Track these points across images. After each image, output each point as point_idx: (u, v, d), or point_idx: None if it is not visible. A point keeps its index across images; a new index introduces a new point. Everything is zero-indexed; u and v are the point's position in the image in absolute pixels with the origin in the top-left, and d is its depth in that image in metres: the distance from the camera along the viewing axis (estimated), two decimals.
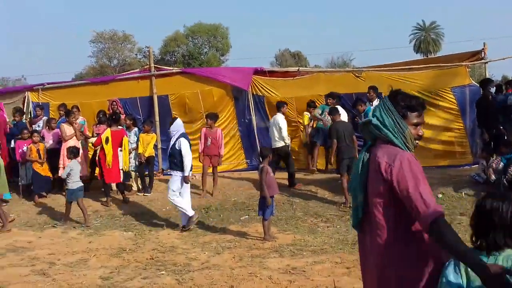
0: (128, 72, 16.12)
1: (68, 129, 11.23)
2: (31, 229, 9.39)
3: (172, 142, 9.15)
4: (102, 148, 10.67)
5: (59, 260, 7.45)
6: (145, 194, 11.50)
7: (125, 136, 11.06)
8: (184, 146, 9.03)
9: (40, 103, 12.89)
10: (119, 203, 10.96)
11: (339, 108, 11.05)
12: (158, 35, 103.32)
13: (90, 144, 11.81)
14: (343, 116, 10.89)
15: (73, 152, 9.98)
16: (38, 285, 6.42)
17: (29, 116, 12.86)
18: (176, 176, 9.08)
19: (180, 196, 9.06)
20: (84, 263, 7.33)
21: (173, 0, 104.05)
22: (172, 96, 13.04)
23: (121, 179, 11.07)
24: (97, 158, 10.96)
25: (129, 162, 11.29)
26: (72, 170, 9.66)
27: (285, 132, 11.38)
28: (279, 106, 11.72)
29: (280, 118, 11.44)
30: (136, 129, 11.80)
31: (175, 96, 13.05)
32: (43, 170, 11.20)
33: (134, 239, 8.50)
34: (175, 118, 9.84)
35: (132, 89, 13.17)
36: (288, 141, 11.53)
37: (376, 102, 11.10)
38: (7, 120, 12.17)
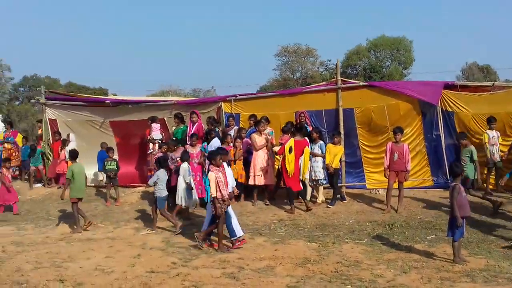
0: (314, 85, 16.32)
1: (258, 139, 11.71)
2: None
3: None
4: (285, 157, 10.96)
5: (248, 265, 7.74)
6: (328, 205, 11.55)
7: (307, 146, 11.22)
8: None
9: (233, 113, 13.62)
10: (303, 213, 11.14)
11: None
12: (340, 49, 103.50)
13: (277, 156, 12.18)
14: None
15: (160, 162, 10.70)
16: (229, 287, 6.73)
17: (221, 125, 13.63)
18: None
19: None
20: (271, 270, 7.52)
21: (356, 15, 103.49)
22: (358, 110, 12.92)
23: (301, 188, 11.27)
24: (278, 166, 11.26)
25: (317, 174, 11.46)
26: (159, 179, 10.36)
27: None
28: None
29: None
30: (321, 142, 11.88)
31: (360, 110, 12.91)
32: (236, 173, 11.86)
33: (318, 250, 8.52)
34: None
35: (318, 101, 13.28)
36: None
37: None
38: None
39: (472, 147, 11.15)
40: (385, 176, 11.12)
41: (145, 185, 13.92)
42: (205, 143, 11.89)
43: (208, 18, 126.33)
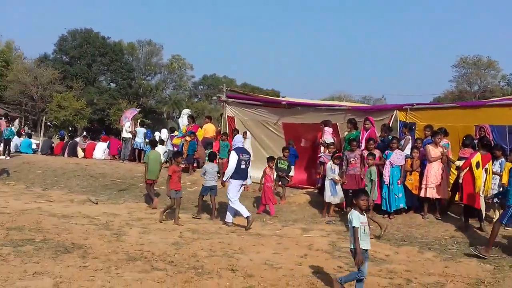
0: (499, 98, 15.30)
1: (433, 151, 11.29)
2: (388, 243, 9.74)
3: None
4: (468, 172, 10.39)
5: (416, 279, 7.49)
6: (506, 227, 10.74)
7: (490, 162, 10.54)
8: (230, 157, 11.33)
9: (407, 122, 13.27)
10: (477, 231, 10.51)
11: None
12: None
13: (453, 168, 11.62)
14: None
15: (210, 156, 12.50)
16: None
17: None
18: (231, 183, 11.23)
19: (236, 200, 11.20)
20: (440, 286, 7.23)
21: None
22: None
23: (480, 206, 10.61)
24: (460, 181, 10.69)
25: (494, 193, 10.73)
26: (207, 171, 11.92)
27: None
28: None
29: None
30: (502, 159, 11.10)
31: None
32: (411, 184, 11.75)
33: (493, 273, 7.98)
34: (236, 134, 13.44)
35: (501, 116, 12.38)
36: None
37: None
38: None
39: None
40: None
41: (313, 187, 14.13)
42: (387, 150, 11.85)
43: (385, 27, 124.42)
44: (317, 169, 14.29)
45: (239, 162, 11.21)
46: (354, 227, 6.31)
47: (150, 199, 13.54)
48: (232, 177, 11.25)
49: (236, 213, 11.37)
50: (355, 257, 6.32)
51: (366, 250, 6.42)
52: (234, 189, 11.26)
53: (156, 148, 14.31)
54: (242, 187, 11.48)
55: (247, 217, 10.95)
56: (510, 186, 9.05)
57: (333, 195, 11.93)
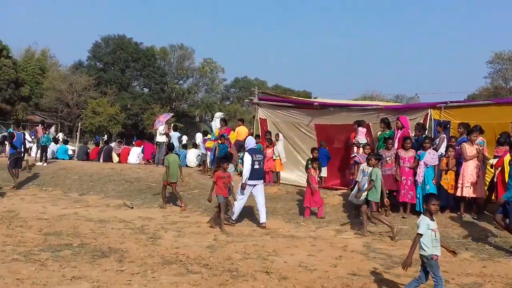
0: None
1: (469, 149, 11.11)
2: None
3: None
4: (501, 170, 10.19)
5: (453, 279, 7.40)
6: None
7: None
8: (244, 159, 11.59)
9: (441, 121, 13.08)
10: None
11: None
12: None
13: (488, 166, 11.42)
14: None
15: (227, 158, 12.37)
16: None
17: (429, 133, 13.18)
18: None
19: (243, 202, 11.63)
20: (478, 287, 7.11)
21: None
22: None
23: None
24: (495, 179, 10.50)
25: None
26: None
27: None
28: None
29: None
30: None
31: None
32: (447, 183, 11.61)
33: None
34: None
35: None
36: None
37: None
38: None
39: None
40: None
41: (346, 188, 14.04)
42: (419, 150, 11.69)
43: (417, 25, 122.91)
44: (350, 170, 14.18)
45: (253, 163, 11.48)
46: (418, 233, 6.14)
47: (162, 200, 14.00)
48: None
49: (266, 216, 11.51)
50: (405, 261, 6.18)
51: (436, 256, 6.22)
52: (246, 189, 11.52)
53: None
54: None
55: (232, 220, 11.64)
56: None
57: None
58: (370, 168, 11.11)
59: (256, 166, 11.59)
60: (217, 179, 11.26)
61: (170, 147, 15.34)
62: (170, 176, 13.82)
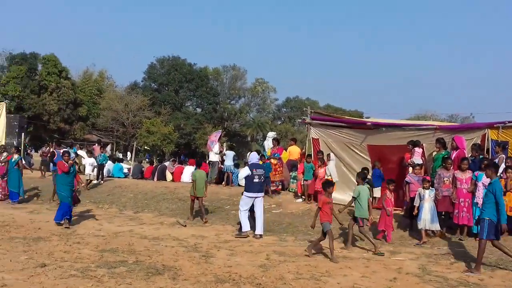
0: None
1: None
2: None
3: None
4: None
5: None
6: None
7: None
8: (243, 169, 12.78)
9: (500, 141, 12.72)
10: None
11: None
12: None
13: None
14: None
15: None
16: None
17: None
18: (245, 196, 12.51)
19: (246, 213, 12.41)
20: None
21: None
22: None
23: None
24: None
25: None
26: None
27: None
28: None
29: None
30: None
31: None
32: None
33: None
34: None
35: None
36: None
37: None
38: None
39: None
40: None
41: (400, 208, 13.79)
42: (477, 171, 11.38)
43: (471, 44, 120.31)
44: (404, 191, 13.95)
45: (252, 177, 12.43)
46: None
47: (190, 213, 14.95)
48: (246, 190, 12.58)
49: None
50: None
51: None
52: (245, 200, 12.49)
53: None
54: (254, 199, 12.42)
55: (245, 231, 12.28)
56: None
57: (431, 221, 11.58)
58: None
59: (256, 180, 12.47)
60: (323, 204, 10.24)
61: (198, 164, 15.84)
62: (197, 190, 14.59)
